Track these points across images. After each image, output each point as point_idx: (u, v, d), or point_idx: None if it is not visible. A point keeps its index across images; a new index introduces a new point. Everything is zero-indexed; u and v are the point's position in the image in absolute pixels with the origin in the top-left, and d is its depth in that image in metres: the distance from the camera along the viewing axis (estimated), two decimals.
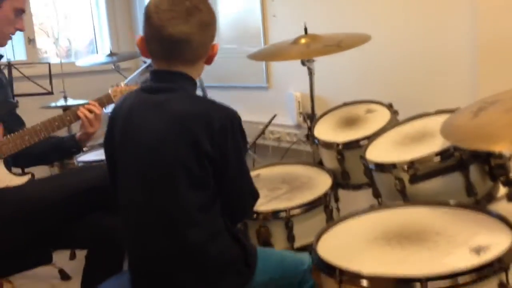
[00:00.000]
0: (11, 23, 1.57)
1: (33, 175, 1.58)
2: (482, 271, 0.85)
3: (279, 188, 1.53)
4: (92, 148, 2.34)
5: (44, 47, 3.35)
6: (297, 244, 1.36)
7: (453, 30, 1.81)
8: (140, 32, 1.14)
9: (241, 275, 1.13)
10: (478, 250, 0.92)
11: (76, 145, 1.71)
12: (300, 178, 1.58)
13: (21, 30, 1.62)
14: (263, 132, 2.09)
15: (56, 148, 1.71)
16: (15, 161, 1.65)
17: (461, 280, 0.85)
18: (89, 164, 2.16)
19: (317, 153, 1.70)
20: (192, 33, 1.06)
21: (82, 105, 1.68)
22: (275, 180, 1.60)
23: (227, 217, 1.14)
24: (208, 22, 1.10)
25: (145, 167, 1.09)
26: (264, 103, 2.60)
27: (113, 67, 2.80)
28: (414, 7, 1.91)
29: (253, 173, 1.50)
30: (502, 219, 1.01)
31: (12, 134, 1.55)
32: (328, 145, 1.58)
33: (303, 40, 1.73)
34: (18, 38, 2.96)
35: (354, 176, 1.53)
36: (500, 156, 1.18)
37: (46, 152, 1.69)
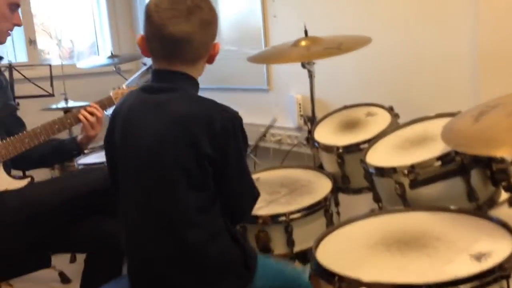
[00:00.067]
0: (7, 18, 1.56)
1: (32, 178, 1.58)
2: (483, 279, 0.85)
3: (278, 192, 1.52)
4: (93, 151, 2.33)
5: (47, 48, 3.35)
6: (297, 248, 1.36)
7: (454, 33, 1.80)
8: (141, 33, 1.13)
9: (240, 277, 1.12)
10: (479, 257, 0.91)
11: (77, 148, 1.71)
12: (300, 182, 1.57)
13: (18, 25, 1.61)
14: (264, 136, 2.08)
15: (57, 151, 1.70)
16: (15, 164, 1.65)
17: (462, 287, 0.84)
18: (90, 167, 2.15)
19: (317, 156, 1.70)
20: (193, 32, 1.06)
21: (83, 107, 1.68)
22: (274, 184, 1.59)
23: (227, 218, 1.13)
24: (209, 21, 1.09)
25: (144, 168, 1.08)
26: (265, 105, 2.59)
27: (114, 69, 2.80)
28: (415, 10, 1.90)
29: (253, 177, 1.50)
30: (504, 225, 1.00)
31: (11, 137, 1.54)
32: (328, 149, 1.57)
33: (303, 43, 1.73)
34: (19, 39, 2.97)
35: (355, 180, 1.53)
36: (502, 160, 1.17)
37: (47, 154, 1.69)
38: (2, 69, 2.23)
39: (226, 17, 2.68)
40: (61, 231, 1.51)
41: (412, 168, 1.19)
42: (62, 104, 2.53)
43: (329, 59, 1.65)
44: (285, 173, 1.68)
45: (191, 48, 1.08)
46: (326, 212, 1.41)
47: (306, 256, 1.36)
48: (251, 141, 2.35)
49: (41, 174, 2.08)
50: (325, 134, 1.67)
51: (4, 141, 1.53)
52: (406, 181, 1.20)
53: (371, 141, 1.47)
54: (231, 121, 1.07)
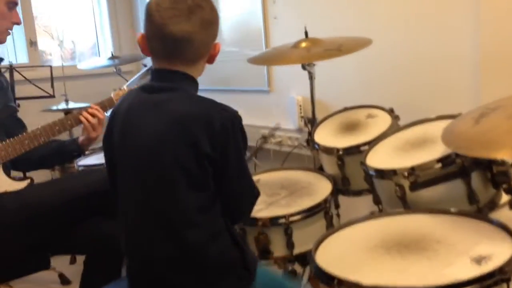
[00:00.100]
0: (6, 17, 1.56)
1: (32, 180, 1.57)
2: (483, 282, 0.84)
3: (278, 194, 1.52)
4: (93, 152, 2.33)
5: (49, 49, 3.36)
6: (297, 251, 1.35)
7: (455, 34, 1.79)
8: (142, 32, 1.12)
9: (240, 279, 1.11)
10: (479, 260, 0.91)
11: (78, 149, 1.70)
12: (300, 184, 1.56)
13: (17, 23, 1.61)
14: (265, 141, 2.07)
15: (57, 152, 1.70)
16: (16, 165, 1.64)
17: None
18: (90, 168, 2.15)
19: (317, 158, 1.69)
20: (193, 32, 1.05)
21: (84, 108, 1.67)
22: (274, 185, 1.59)
23: (227, 217, 1.13)
24: (210, 21, 1.08)
25: (144, 168, 1.07)
26: (266, 107, 2.59)
27: (115, 70, 2.80)
28: (416, 11, 1.89)
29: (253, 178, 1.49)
30: (504, 227, 0.99)
31: (11, 139, 1.54)
32: (328, 151, 1.57)
33: (303, 44, 1.72)
34: (20, 40, 2.97)
35: (355, 182, 1.52)
36: (502, 163, 1.16)
37: (48, 156, 1.68)
38: (3, 70, 2.24)
39: (227, 18, 2.68)
40: (61, 232, 1.51)
41: (412, 170, 1.18)
42: (62, 105, 2.54)
43: (330, 60, 1.64)
44: (285, 175, 1.67)
45: (191, 47, 1.07)
46: (326, 214, 1.40)
47: (306, 259, 1.36)
48: (251, 143, 2.35)
49: (41, 176, 2.08)
50: (325, 136, 1.67)
51: (3, 142, 1.53)
52: (406, 183, 1.20)
53: (372, 143, 1.46)
54: (230, 120, 1.06)
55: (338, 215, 1.50)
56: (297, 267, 1.42)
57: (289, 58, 1.75)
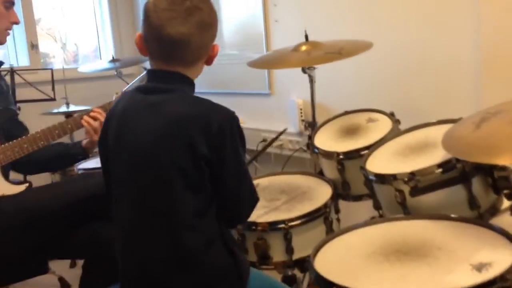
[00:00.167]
0: (4, 17, 1.55)
1: (30, 183, 1.57)
2: None
3: (278, 198, 1.51)
4: (93, 155, 2.33)
5: (52, 52, 3.36)
6: (296, 256, 1.34)
7: (456, 38, 1.78)
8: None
9: (233, 285, 1.10)
10: (480, 267, 0.89)
11: (82, 153, 1.70)
12: (299, 188, 1.55)
13: (16, 23, 1.60)
14: (268, 145, 2.05)
15: (61, 156, 1.70)
16: (18, 168, 1.64)
17: None
18: (89, 172, 2.14)
19: (317, 162, 1.68)
20: (191, 34, 1.04)
21: (86, 112, 1.67)
22: (274, 190, 1.58)
23: (224, 221, 1.12)
24: (209, 23, 1.07)
25: (141, 168, 1.06)
26: (266, 110, 2.58)
27: (116, 73, 2.80)
28: (417, 14, 1.89)
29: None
30: (506, 234, 0.98)
31: (10, 142, 1.53)
32: (328, 155, 1.55)
33: (304, 47, 1.71)
34: (21, 43, 2.98)
35: (355, 186, 1.51)
36: (503, 168, 1.15)
37: (51, 159, 1.68)
38: (3, 73, 2.24)
39: (228, 21, 2.68)
40: (60, 236, 1.50)
41: (412, 175, 1.17)
42: (63, 108, 2.54)
43: (330, 64, 1.63)
44: (285, 179, 1.66)
45: (189, 49, 1.06)
46: (326, 219, 1.39)
47: (305, 264, 1.35)
48: (252, 146, 2.34)
49: (41, 179, 2.07)
50: (325, 140, 1.66)
51: (2, 145, 1.52)
52: (406, 189, 1.18)
53: (372, 148, 1.45)
54: (228, 121, 1.05)
55: (338, 220, 1.49)
56: (297, 272, 1.41)
57: (290, 61, 1.74)
